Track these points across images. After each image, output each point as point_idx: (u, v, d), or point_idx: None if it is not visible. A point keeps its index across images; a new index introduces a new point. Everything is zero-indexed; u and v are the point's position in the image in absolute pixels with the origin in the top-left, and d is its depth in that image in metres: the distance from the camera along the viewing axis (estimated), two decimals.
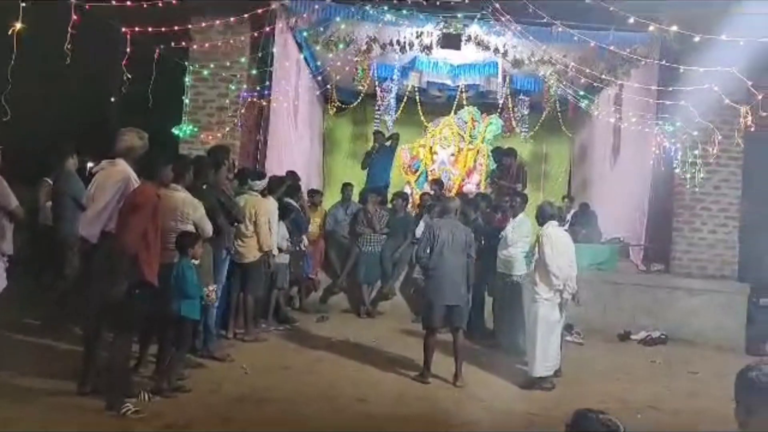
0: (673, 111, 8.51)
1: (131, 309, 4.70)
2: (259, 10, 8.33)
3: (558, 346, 6.27)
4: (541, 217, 6.41)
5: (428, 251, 6.23)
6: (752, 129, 7.30)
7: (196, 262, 5.40)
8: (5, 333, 6.43)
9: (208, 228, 5.69)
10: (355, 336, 7.64)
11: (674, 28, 7.33)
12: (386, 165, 11.10)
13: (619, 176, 10.79)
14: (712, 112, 8.21)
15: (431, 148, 11.42)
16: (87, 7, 6.09)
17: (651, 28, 7.54)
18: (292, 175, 8.53)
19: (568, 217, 10.57)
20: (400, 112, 11.57)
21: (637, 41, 8.62)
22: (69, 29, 5.63)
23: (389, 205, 9.71)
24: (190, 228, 5.43)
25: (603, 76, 9.18)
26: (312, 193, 9.69)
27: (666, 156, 9.00)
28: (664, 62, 8.22)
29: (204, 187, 6.03)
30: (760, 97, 6.73)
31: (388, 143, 11.16)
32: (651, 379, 6.75)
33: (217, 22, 8.51)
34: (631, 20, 7.22)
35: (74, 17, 5.70)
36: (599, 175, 11.87)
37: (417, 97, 11.38)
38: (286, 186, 7.83)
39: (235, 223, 6.57)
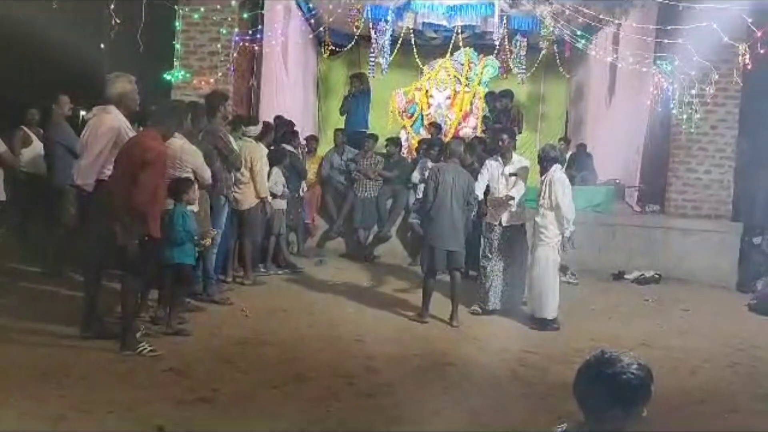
0: (671, 50, 8.40)
1: (139, 254, 4.74)
2: None
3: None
4: (545, 161, 6.35)
5: (432, 196, 6.21)
6: (750, 67, 7.24)
7: (194, 208, 5.43)
8: (6, 280, 6.51)
9: (207, 175, 5.70)
10: (352, 279, 7.74)
11: None
12: (365, 109, 10.78)
13: (615, 117, 10.74)
14: (711, 51, 8.10)
15: (427, 91, 11.30)
16: None
17: None
18: (281, 120, 8.46)
19: (565, 158, 10.56)
20: (395, 54, 11.41)
21: None
22: None
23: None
24: (188, 175, 5.43)
25: (601, 16, 9.03)
26: (308, 139, 9.65)
27: (663, 96, 8.93)
28: (662, 0, 8.07)
29: (200, 134, 6.01)
30: (759, 34, 6.65)
31: (361, 86, 10.73)
32: (643, 318, 6.87)
33: None
34: None
35: None
36: (596, 116, 11.81)
37: (412, 39, 11.19)
38: (275, 131, 7.77)
39: (233, 170, 6.56)
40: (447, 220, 6.17)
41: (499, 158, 6.71)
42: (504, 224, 6.62)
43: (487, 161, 6.81)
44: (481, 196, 6.56)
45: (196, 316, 5.77)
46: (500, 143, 6.75)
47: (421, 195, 8.33)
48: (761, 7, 6.78)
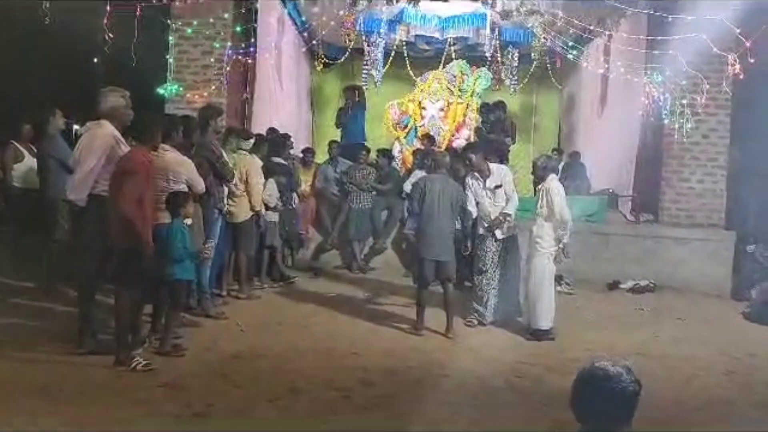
0: (661, 60, 8.48)
1: (131, 267, 4.73)
2: None
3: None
4: (543, 171, 6.38)
5: (419, 207, 6.23)
6: (740, 77, 7.31)
7: (189, 221, 5.42)
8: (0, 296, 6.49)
9: (201, 185, 5.68)
10: (347, 291, 7.73)
11: None
12: (362, 121, 10.87)
13: (607, 127, 10.81)
14: (701, 61, 8.19)
15: (420, 103, 11.34)
16: None
17: None
18: (274, 132, 8.47)
19: (559, 168, 10.61)
20: (387, 66, 11.47)
21: None
22: None
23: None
24: (183, 187, 5.42)
25: (591, 27, 9.11)
26: (305, 151, 9.67)
27: (655, 106, 9.00)
28: (652, 12, 8.15)
29: (192, 147, 6.01)
30: (747, 44, 6.72)
31: (358, 99, 10.89)
32: (639, 327, 6.87)
33: None
34: None
35: None
36: (588, 126, 11.89)
37: (405, 51, 11.26)
38: (269, 144, 7.79)
39: (225, 183, 6.55)
40: (436, 231, 6.18)
41: (477, 174, 6.63)
42: (498, 237, 6.61)
43: (467, 180, 6.73)
44: (475, 214, 6.61)
45: (191, 331, 5.74)
46: (467, 163, 6.69)
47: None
48: (749, 17, 6.85)
